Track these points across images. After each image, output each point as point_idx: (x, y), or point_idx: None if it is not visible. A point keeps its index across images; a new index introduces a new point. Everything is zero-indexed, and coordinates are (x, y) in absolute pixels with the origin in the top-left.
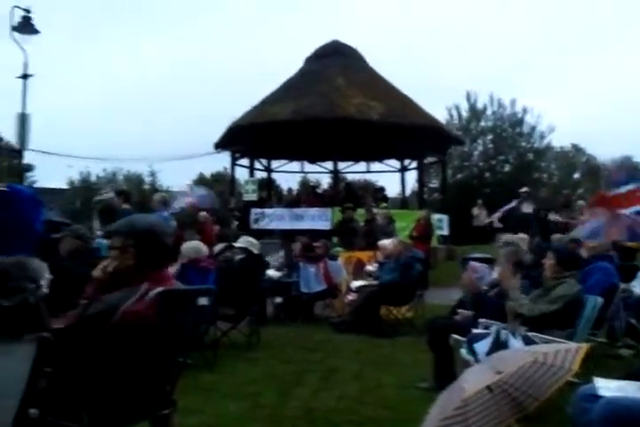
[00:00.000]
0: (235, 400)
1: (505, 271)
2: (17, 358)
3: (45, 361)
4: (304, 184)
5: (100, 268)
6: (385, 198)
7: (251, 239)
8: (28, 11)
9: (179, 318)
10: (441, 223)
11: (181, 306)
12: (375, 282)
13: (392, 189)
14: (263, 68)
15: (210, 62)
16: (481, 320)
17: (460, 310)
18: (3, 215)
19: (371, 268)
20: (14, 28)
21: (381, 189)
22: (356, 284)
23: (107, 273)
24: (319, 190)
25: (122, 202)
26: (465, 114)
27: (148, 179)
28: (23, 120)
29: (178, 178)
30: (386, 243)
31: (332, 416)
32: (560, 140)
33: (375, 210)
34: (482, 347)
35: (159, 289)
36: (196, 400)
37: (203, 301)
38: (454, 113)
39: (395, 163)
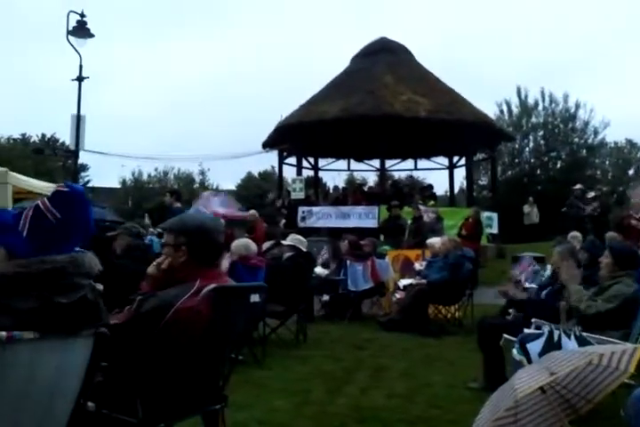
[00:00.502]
0: (284, 396)
1: (567, 267)
2: (75, 352)
3: (102, 356)
4: (350, 182)
5: (154, 264)
6: (433, 196)
7: (299, 237)
8: (82, 15)
9: (231, 315)
10: (490, 221)
11: (234, 302)
12: (423, 280)
13: (440, 187)
14: (312, 68)
15: (259, 63)
16: (533, 320)
17: (510, 310)
18: (65, 216)
19: (419, 266)
20: (70, 32)
21: (429, 187)
22: (403, 282)
23: (161, 270)
24: (365, 188)
25: (173, 201)
26: (515, 109)
27: (197, 178)
28: (78, 121)
29: (227, 177)
30: (434, 241)
31: (381, 414)
32: (614, 135)
33: (423, 208)
34: (534, 347)
35: (213, 285)
36: (245, 396)
37: (255, 297)
38: (504, 108)
39: (443, 160)
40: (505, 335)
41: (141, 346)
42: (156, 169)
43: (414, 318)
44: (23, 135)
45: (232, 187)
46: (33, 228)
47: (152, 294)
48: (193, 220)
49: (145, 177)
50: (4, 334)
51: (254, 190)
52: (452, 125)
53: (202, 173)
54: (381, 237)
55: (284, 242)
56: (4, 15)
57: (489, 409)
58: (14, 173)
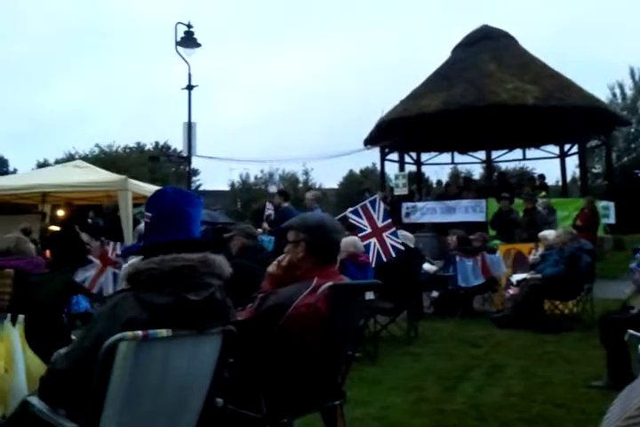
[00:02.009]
0: (399, 394)
1: None
2: (205, 349)
3: (229, 353)
4: (454, 176)
5: (275, 263)
6: (544, 186)
7: (406, 233)
8: (189, 26)
9: (348, 312)
10: (607, 211)
11: (350, 300)
12: (538, 275)
13: (551, 177)
14: (412, 62)
15: (359, 61)
16: None
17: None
18: (153, 213)
19: (533, 260)
20: (178, 43)
21: (541, 177)
22: (516, 277)
23: (281, 268)
24: (471, 181)
25: (282, 201)
26: (629, 92)
27: (302, 177)
28: (189, 129)
29: (330, 175)
30: (548, 233)
31: (499, 413)
32: None
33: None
34: None
35: (330, 283)
36: (361, 392)
37: (369, 295)
38: (617, 91)
39: (553, 148)
40: (630, 331)
41: (264, 343)
42: (262, 171)
43: (529, 315)
44: (138, 144)
45: (334, 185)
46: (144, 233)
47: (272, 292)
48: (313, 218)
49: (252, 179)
50: (140, 333)
51: (356, 188)
52: (562, 112)
53: (306, 172)
54: (491, 232)
55: None
56: (120, 30)
57: (619, 407)
58: (133, 180)
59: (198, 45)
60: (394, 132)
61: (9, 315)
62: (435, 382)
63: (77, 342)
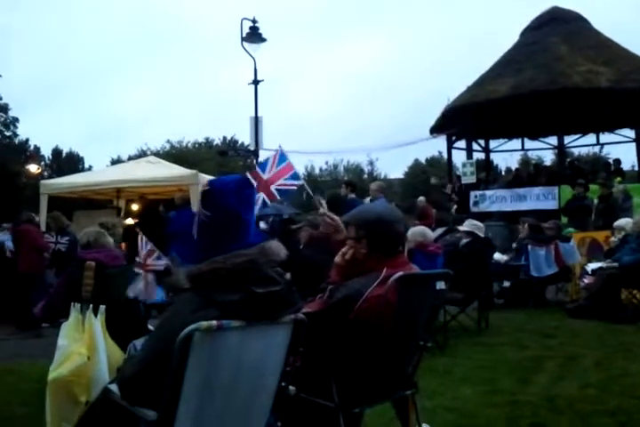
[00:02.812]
0: (471, 385)
1: None
2: (277, 338)
3: (300, 342)
4: (524, 162)
5: (341, 254)
6: (620, 172)
7: (476, 222)
8: (254, 21)
9: (418, 302)
10: None
11: (421, 290)
12: (615, 264)
13: (626, 162)
14: (479, 47)
15: (423, 48)
16: None
17: None
18: (214, 212)
19: (608, 248)
20: (244, 39)
21: (616, 162)
22: (591, 266)
23: (346, 260)
24: (542, 168)
25: (348, 192)
26: None
27: (366, 168)
28: (256, 123)
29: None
30: (624, 221)
31: (576, 405)
32: None
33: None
34: None
35: (399, 274)
36: (431, 383)
37: (440, 285)
38: None
39: (629, 132)
40: None
41: (335, 333)
42: (326, 162)
43: (605, 304)
44: (207, 139)
45: (400, 175)
46: (199, 231)
47: (342, 284)
48: (371, 212)
49: (317, 171)
50: (214, 322)
51: (421, 177)
52: (638, 94)
53: (370, 163)
54: (564, 219)
55: (460, 228)
56: (188, 29)
57: None
58: (203, 174)
59: (263, 40)
60: (461, 120)
61: (91, 305)
62: (507, 373)
63: (149, 345)
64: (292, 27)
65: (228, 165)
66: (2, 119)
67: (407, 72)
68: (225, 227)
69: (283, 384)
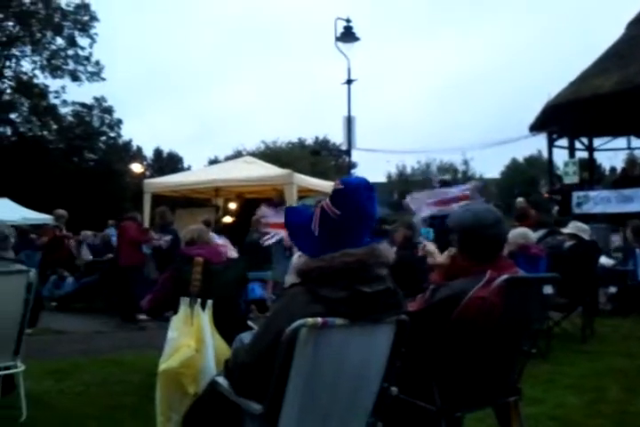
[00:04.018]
0: (576, 393)
1: None
2: (379, 338)
3: (402, 342)
4: (631, 162)
5: (444, 255)
6: None
7: (580, 224)
8: (348, 20)
9: (524, 306)
10: None
11: (527, 293)
12: None
13: None
14: (581, 41)
15: (523, 46)
16: None
17: None
18: (345, 211)
19: None
20: (337, 38)
21: None
22: None
23: (448, 261)
24: None
25: None
26: None
27: (460, 167)
28: (349, 122)
29: (491, 164)
30: None
31: None
32: None
33: None
34: None
35: (505, 276)
36: (534, 390)
37: (547, 289)
38: None
39: None
40: None
41: (436, 334)
42: (418, 162)
43: None
44: (299, 139)
45: (496, 175)
46: (321, 227)
47: (444, 284)
48: (461, 217)
49: (409, 170)
50: (319, 320)
51: (519, 177)
52: None
53: (465, 162)
54: None
55: (563, 230)
56: (281, 30)
57: None
58: (297, 174)
59: (357, 39)
60: (563, 117)
61: (199, 300)
62: (614, 382)
63: (258, 337)
64: (385, 25)
65: (320, 164)
66: (107, 121)
67: (504, 68)
68: (353, 226)
69: (385, 385)
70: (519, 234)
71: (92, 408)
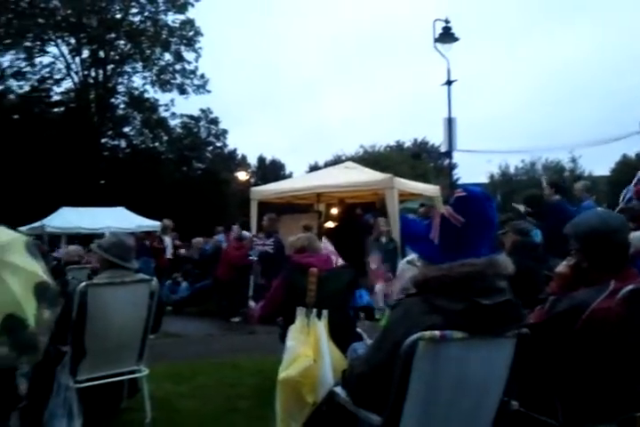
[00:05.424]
0: None
1: None
2: (500, 352)
3: (523, 356)
4: None
5: (564, 264)
6: None
7: None
8: (447, 21)
9: None
10: None
11: None
12: None
13: None
14: None
15: (630, 38)
16: None
17: None
18: (469, 219)
19: None
20: (436, 40)
21: None
22: None
23: (569, 269)
24: None
25: (552, 193)
26: None
27: (567, 166)
28: (450, 124)
29: (600, 162)
30: None
31: None
32: None
33: None
34: None
35: (631, 286)
36: None
37: None
38: None
39: None
40: None
41: (557, 347)
42: (522, 161)
43: None
44: (397, 142)
45: (606, 172)
46: (442, 235)
47: (565, 295)
48: (585, 223)
49: (512, 170)
50: (437, 333)
51: (632, 173)
52: None
53: (573, 160)
54: None
55: None
56: (378, 33)
57: None
58: (398, 178)
59: (456, 39)
60: None
61: (314, 310)
62: None
63: (375, 347)
64: (484, 23)
65: (418, 166)
66: (213, 131)
67: (611, 64)
68: (476, 233)
69: (505, 399)
70: (638, 238)
71: (210, 411)
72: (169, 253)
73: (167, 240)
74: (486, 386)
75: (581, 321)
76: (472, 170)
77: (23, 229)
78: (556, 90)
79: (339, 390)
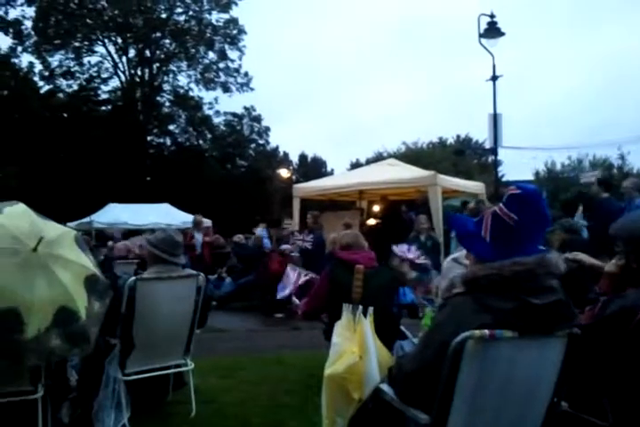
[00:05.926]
0: None
1: None
2: (550, 352)
3: (574, 356)
4: None
5: (613, 262)
6: None
7: None
8: (492, 16)
9: None
10: None
11: None
12: None
13: None
14: None
15: None
16: None
17: None
18: (523, 217)
19: None
20: (481, 35)
21: None
22: None
23: (617, 268)
24: None
25: (601, 191)
26: None
27: (616, 162)
28: (495, 120)
29: None
30: None
31: None
32: None
33: None
34: None
35: None
36: None
37: None
38: None
39: None
40: None
41: (608, 349)
42: (569, 158)
43: None
44: (440, 138)
45: None
46: (494, 233)
47: (617, 295)
48: (634, 225)
49: (558, 167)
50: (486, 332)
51: None
52: None
53: (621, 157)
54: None
55: None
56: (422, 31)
57: None
58: (441, 175)
59: (502, 34)
60: None
61: (360, 306)
62: None
63: (422, 346)
64: (531, 17)
65: (461, 163)
66: (256, 129)
67: None
68: (529, 231)
69: (555, 400)
70: None
71: (255, 406)
72: (199, 248)
73: (198, 236)
74: (535, 386)
75: (636, 322)
76: (517, 167)
77: (72, 224)
78: (603, 85)
79: (385, 387)
